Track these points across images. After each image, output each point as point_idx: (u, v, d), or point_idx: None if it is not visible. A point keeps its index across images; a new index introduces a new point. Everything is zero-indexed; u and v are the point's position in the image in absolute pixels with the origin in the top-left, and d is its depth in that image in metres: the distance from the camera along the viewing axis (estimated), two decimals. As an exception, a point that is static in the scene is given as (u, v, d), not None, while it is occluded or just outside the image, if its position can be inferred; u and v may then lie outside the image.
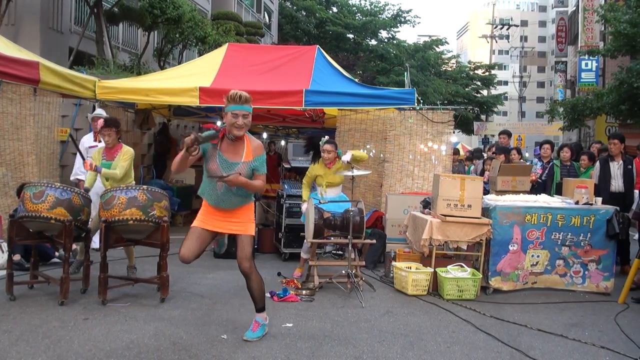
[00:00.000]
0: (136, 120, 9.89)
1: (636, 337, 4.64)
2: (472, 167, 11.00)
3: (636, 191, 7.13)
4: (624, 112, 14.98)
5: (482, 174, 8.92)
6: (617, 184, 7.42)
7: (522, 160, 9.44)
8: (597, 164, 7.70)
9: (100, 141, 7.09)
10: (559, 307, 5.57)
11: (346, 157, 6.09)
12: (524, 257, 5.96)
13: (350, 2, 31.96)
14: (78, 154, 7.24)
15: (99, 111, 7.42)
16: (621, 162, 7.46)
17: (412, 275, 5.69)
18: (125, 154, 5.79)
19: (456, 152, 11.27)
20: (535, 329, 4.79)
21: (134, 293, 5.37)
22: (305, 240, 6.20)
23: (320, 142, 6.30)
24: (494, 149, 10.58)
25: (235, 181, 3.85)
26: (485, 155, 11.00)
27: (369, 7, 31.85)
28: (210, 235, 4.19)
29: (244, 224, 4.16)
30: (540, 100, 60.59)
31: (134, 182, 5.92)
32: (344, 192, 6.56)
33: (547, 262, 5.99)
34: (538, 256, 5.98)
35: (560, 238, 5.96)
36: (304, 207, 6.28)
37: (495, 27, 44.04)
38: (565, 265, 6.01)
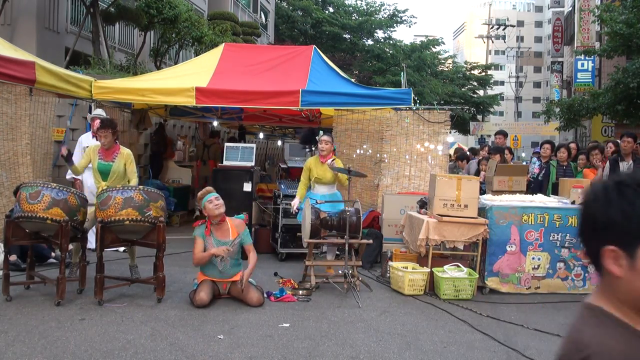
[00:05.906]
0: (132, 120, 9.86)
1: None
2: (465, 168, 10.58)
3: None
4: (620, 112, 14.98)
5: (476, 174, 8.88)
6: None
7: (517, 160, 9.44)
8: (607, 163, 7.62)
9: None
10: (556, 306, 5.59)
11: (331, 162, 6.20)
12: (525, 259, 5.95)
13: (346, 2, 31.94)
14: (76, 153, 7.23)
15: (99, 111, 7.40)
16: (631, 162, 7.35)
17: (408, 275, 5.69)
18: (129, 157, 5.85)
19: (464, 156, 10.91)
20: (532, 328, 4.80)
21: (130, 293, 5.36)
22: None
23: (318, 135, 6.40)
24: (486, 149, 10.47)
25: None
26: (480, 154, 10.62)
27: (365, 7, 31.81)
28: (216, 285, 5.18)
29: (238, 274, 5.19)
30: (536, 100, 60.64)
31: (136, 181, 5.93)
32: (341, 192, 6.56)
33: (548, 264, 5.99)
34: (539, 259, 5.97)
35: (559, 239, 5.97)
36: (294, 202, 6.38)
37: (492, 28, 44.08)
38: (566, 268, 6.01)
